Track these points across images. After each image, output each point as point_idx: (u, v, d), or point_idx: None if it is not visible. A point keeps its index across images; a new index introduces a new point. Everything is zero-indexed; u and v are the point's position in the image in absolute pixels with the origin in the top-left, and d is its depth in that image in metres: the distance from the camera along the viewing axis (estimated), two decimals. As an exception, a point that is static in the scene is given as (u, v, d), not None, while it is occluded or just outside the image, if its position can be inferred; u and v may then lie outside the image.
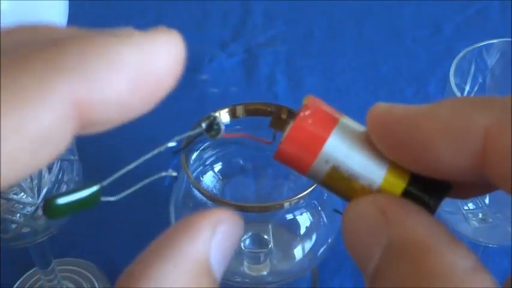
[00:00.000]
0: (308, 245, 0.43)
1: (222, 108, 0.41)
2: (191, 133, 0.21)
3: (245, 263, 0.44)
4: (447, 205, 0.42)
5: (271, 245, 0.45)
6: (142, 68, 0.15)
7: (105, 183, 0.18)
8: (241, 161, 0.47)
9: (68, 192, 0.17)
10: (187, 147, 0.20)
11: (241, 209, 0.37)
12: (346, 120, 0.20)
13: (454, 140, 0.17)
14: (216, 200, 0.39)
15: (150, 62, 0.15)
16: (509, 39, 0.41)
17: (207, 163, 0.46)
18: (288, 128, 0.20)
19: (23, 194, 0.40)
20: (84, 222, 0.53)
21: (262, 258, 0.44)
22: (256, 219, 0.46)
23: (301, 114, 0.20)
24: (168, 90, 0.16)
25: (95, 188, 0.17)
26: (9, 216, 0.40)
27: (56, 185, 0.41)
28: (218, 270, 0.17)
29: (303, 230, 0.43)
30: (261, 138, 0.23)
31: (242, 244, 0.45)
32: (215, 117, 0.21)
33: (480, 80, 0.43)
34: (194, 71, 0.66)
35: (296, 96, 0.66)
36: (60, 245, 0.53)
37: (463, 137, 0.17)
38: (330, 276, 0.53)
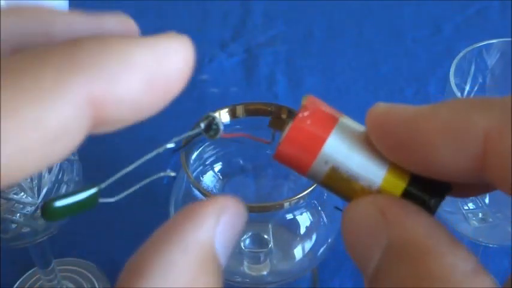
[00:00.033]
0: (308, 245, 0.43)
1: (222, 108, 0.41)
2: (190, 133, 0.21)
3: (245, 263, 0.44)
4: (447, 205, 0.42)
5: (271, 245, 0.45)
6: (155, 68, 0.15)
7: (103, 185, 0.18)
8: (241, 161, 0.47)
9: (66, 195, 0.17)
10: (186, 146, 0.20)
11: (241, 209, 0.37)
12: (346, 121, 0.20)
13: (454, 142, 0.17)
14: (216, 200, 0.38)
15: (162, 63, 0.15)
16: (509, 39, 0.41)
17: (207, 163, 0.46)
18: (287, 129, 0.20)
19: (23, 194, 0.40)
20: (84, 222, 0.53)
21: (262, 258, 0.44)
22: (256, 219, 0.46)
23: (300, 114, 0.20)
24: (178, 91, 0.16)
25: (93, 191, 0.17)
26: (9, 216, 0.40)
27: (56, 185, 0.41)
28: (223, 256, 0.17)
29: (303, 230, 0.43)
30: (261, 138, 0.23)
31: (242, 244, 0.45)
32: (214, 117, 0.21)
33: (480, 80, 0.43)
34: (194, 71, 0.66)
35: (296, 96, 0.66)
36: (60, 245, 0.53)
37: (463, 138, 0.17)
38: (330, 276, 0.53)
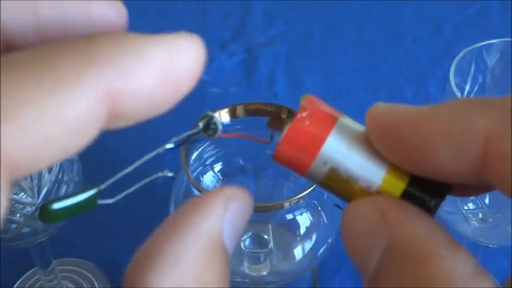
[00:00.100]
0: (308, 245, 0.43)
1: (222, 108, 0.41)
2: (189, 133, 0.21)
3: (245, 263, 0.44)
4: (447, 205, 0.42)
5: (271, 245, 0.45)
6: (169, 65, 0.16)
7: (103, 186, 0.18)
8: (241, 161, 0.47)
9: (64, 197, 0.17)
10: (183, 144, 0.20)
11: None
12: (345, 121, 0.20)
13: (454, 143, 0.17)
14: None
15: (176, 60, 0.16)
16: (509, 39, 0.41)
17: (207, 163, 0.46)
18: (286, 129, 0.19)
19: (23, 194, 0.40)
20: (84, 222, 0.53)
21: (262, 258, 0.44)
22: (256, 219, 0.46)
23: (299, 115, 0.19)
24: (189, 89, 0.17)
25: (92, 192, 0.17)
26: (9, 216, 0.40)
27: (56, 185, 0.41)
28: (230, 245, 0.18)
29: (303, 230, 0.43)
30: (259, 138, 0.23)
31: (242, 244, 0.45)
32: (212, 117, 0.21)
33: (480, 80, 0.43)
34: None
35: (296, 96, 0.66)
36: (60, 245, 0.53)
37: (463, 140, 0.17)
38: (330, 276, 0.53)
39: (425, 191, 0.19)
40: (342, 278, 0.53)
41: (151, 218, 0.17)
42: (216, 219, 0.17)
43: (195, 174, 0.44)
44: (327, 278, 0.53)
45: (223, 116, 0.41)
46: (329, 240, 0.43)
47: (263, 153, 0.44)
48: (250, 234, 0.46)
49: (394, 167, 0.19)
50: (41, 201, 0.40)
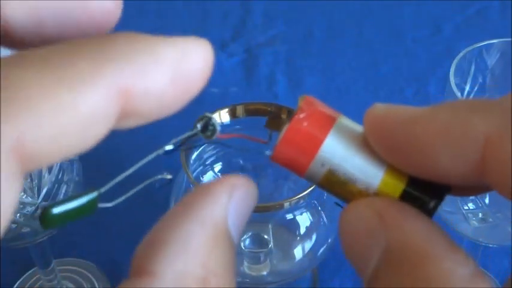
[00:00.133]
0: (308, 245, 0.43)
1: (222, 108, 0.41)
2: (187, 134, 0.21)
3: (245, 263, 0.44)
4: (447, 205, 0.42)
5: (271, 245, 0.45)
6: (180, 65, 0.16)
7: (103, 189, 0.18)
8: (241, 161, 0.47)
9: (64, 201, 0.17)
10: (181, 146, 0.20)
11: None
12: (343, 121, 0.20)
13: (453, 146, 0.17)
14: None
15: (186, 60, 0.16)
16: (509, 39, 0.41)
17: (207, 163, 0.46)
18: (283, 131, 0.19)
19: (23, 194, 0.40)
20: (84, 222, 0.53)
21: (262, 258, 0.44)
22: (256, 219, 0.46)
23: (296, 116, 0.19)
24: (198, 90, 0.17)
25: (92, 195, 0.18)
26: (9, 216, 0.40)
27: (56, 185, 0.41)
28: (235, 234, 0.18)
29: (303, 230, 0.43)
30: (257, 138, 0.23)
31: (242, 244, 0.45)
32: (210, 118, 0.21)
33: (480, 80, 0.43)
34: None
35: (296, 96, 0.66)
36: (60, 245, 0.53)
37: (462, 142, 0.17)
38: (330, 276, 0.53)
39: (424, 193, 0.19)
40: (342, 278, 0.53)
41: (151, 219, 0.17)
42: (220, 207, 0.18)
43: (195, 174, 0.44)
44: (327, 278, 0.53)
45: (223, 116, 0.41)
46: (329, 240, 0.43)
47: (263, 153, 0.44)
48: (250, 234, 0.46)
49: (392, 168, 0.19)
50: (41, 201, 0.40)
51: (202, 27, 0.74)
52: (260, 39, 0.72)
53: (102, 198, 0.18)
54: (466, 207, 0.42)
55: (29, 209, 0.40)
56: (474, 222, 0.42)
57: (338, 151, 0.19)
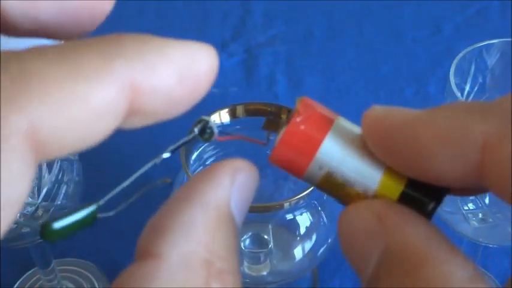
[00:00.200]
0: (308, 245, 0.43)
1: (222, 108, 0.41)
2: (185, 140, 0.21)
3: (245, 263, 0.44)
4: (447, 205, 0.42)
5: (271, 245, 0.45)
6: (187, 67, 0.17)
7: (101, 202, 0.18)
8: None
9: (65, 215, 0.17)
10: (177, 151, 0.20)
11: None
12: (341, 123, 0.19)
13: (452, 149, 0.17)
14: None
15: (194, 63, 0.17)
16: (509, 39, 0.41)
17: (207, 163, 0.46)
18: (281, 133, 0.19)
19: (23, 194, 0.40)
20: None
21: (262, 258, 0.44)
22: (256, 219, 0.46)
23: (293, 119, 0.19)
24: (204, 93, 0.17)
25: (91, 209, 0.18)
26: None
27: (56, 185, 0.41)
28: (238, 217, 0.18)
29: (303, 230, 0.43)
30: (256, 140, 0.23)
31: (242, 244, 0.45)
32: (207, 121, 0.21)
33: (480, 80, 0.43)
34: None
35: (296, 96, 0.66)
36: (60, 245, 0.53)
37: (461, 145, 0.17)
38: (330, 276, 0.53)
39: (423, 195, 0.19)
40: (342, 278, 0.53)
41: (150, 218, 0.17)
42: (223, 190, 0.18)
43: (195, 174, 0.44)
44: (327, 278, 0.53)
45: (223, 116, 0.41)
46: (329, 240, 0.43)
47: (263, 153, 0.44)
48: (250, 234, 0.46)
49: (390, 170, 0.19)
50: (41, 201, 0.40)
51: (202, 27, 0.74)
52: (260, 39, 0.72)
53: (101, 209, 0.18)
54: (466, 207, 0.42)
55: (29, 209, 0.40)
56: (474, 222, 0.42)
57: (336, 154, 0.19)
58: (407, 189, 0.19)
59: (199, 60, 0.17)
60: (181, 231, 0.17)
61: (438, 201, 0.19)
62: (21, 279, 0.54)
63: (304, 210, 0.42)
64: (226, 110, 0.41)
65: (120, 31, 0.17)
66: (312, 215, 0.43)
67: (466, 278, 0.16)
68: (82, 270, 0.54)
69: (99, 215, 0.18)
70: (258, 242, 0.45)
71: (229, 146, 0.46)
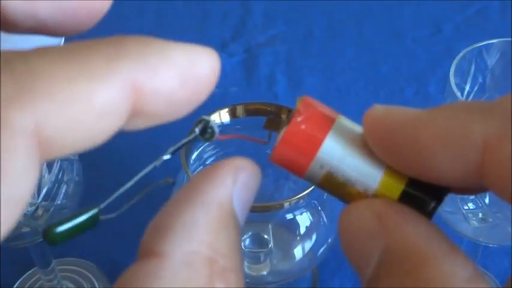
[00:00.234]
0: (308, 245, 0.43)
1: (222, 108, 0.41)
2: (186, 140, 0.21)
3: (245, 263, 0.44)
4: (447, 205, 0.42)
5: (271, 245, 0.45)
6: (190, 69, 0.17)
7: (102, 205, 0.18)
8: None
9: (67, 219, 0.18)
10: (177, 152, 0.20)
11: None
12: (342, 122, 0.19)
13: (452, 149, 0.17)
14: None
15: (196, 66, 0.17)
16: (509, 39, 0.41)
17: (207, 163, 0.46)
18: (282, 133, 0.19)
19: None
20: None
21: (262, 258, 0.44)
22: (256, 219, 0.46)
23: (294, 119, 0.19)
24: (205, 96, 0.18)
25: (93, 212, 0.18)
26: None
27: (56, 184, 0.41)
28: (241, 216, 0.18)
29: (303, 230, 0.43)
30: (257, 139, 0.23)
31: (242, 244, 0.45)
32: (208, 121, 0.21)
33: (480, 80, 0.43)
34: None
35: (296, 96, 0.66)
36: (60, 245, 0.53)
37: (462, 145, 0.17)
38: (330, 276, 0.53)
39: (423, 194, 0.19)
40: (342, 278, 0.53)
41: (151, 219, 0.17)
42: (226, 189, 0.18)
43: (195, 174, 0.44)
44: (327, 278, 0.53)
45: (223, 116, 0.41)
46: (329, 240, 0.43)
47: (263, 153, 0.44)
48: (250, 233, 0.46)
49: (391, 170, 0.19)
50: (41, 201, 0.40)
51: (202, 27, 0.74)
52: (260, 39, 0.72)
53: (103, 210, 0.18)
54: (466, 207, 0.42)
55: (29, 209, 0.40)
56: (474, 222, 0.42)
57: (336, 153, 0.19)
58: (408, 188, 0.19)
59: (201, 63, 0.17)
60: (183, 230, 0.17)
61: (439, 200, 0.19)
62: (21, 279, 0.54)
63: (304, 210, 0.42)
64: (226, 110, 0.41)
65: (120, 31, 0.17)
66: (312, 214, 0.43)
67: (467, 278, 0.16)
68: (82, 270, 0.54)
69: (101, 217, 0.18)
70: (258, 241, 0.45)
71: (229, 146, 0.46)
